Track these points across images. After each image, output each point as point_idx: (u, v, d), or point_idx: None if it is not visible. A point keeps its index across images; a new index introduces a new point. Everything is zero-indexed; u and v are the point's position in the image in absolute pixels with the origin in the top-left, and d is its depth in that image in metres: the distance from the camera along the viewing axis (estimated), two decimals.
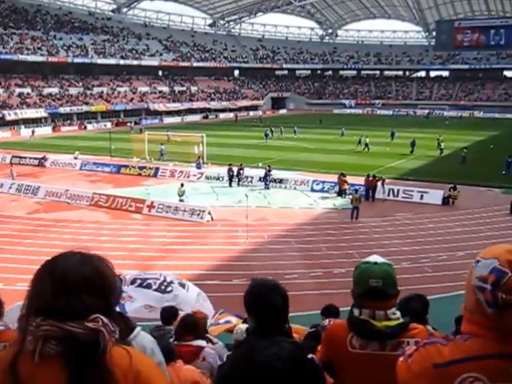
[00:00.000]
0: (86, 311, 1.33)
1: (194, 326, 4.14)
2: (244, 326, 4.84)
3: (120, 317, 1.60)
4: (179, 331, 4.11)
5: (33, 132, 50.64)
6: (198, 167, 30.59)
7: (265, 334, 1.86)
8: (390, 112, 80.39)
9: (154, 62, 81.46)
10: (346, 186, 24.09)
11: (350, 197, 21.73)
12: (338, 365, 2.12)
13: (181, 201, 21.75)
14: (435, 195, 23.17)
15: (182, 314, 4.98)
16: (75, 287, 1.35)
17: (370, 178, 23.75)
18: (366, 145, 38.28)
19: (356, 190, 21.82)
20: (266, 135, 43.82)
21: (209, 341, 4.62)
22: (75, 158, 33.99)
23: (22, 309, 1.38)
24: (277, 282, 2.12)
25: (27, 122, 57.84)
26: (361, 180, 24.44)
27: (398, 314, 2.11)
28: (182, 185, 22.77)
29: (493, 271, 1.33)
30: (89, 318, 1.32)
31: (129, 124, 60.79)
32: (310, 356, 1.89)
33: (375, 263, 2.11)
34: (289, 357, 1.70)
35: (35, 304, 1.36)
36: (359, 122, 60.97)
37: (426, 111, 77.56)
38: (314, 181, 26.19)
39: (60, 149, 39.84)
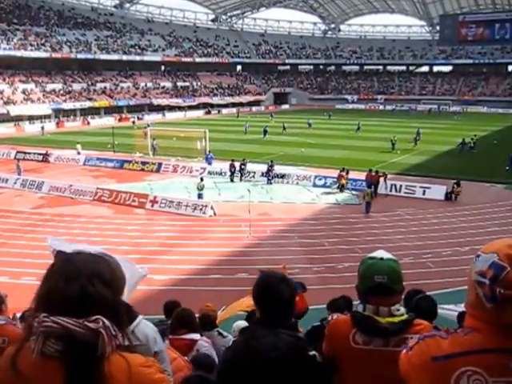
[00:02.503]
0: (99, 299, 1.33)
1: (188, 320, 4.20)
2: (242, 323, 4.89)
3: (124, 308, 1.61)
4: (174, 325, 4.18)
5: (42, 128, 50.61)
6: (209, 162, 29.53)
7: (268, 325, 1.89)
8: (393, 107, 79.95)
9: (157, 58, 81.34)
10: (344, 181, 24.09)
11: (354, 192, 21.65)
12: (340, 360, 2.10)
13: (199, 195, 21.72)
14: (438, 191, 23.11)
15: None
16: (88, 274, 1.36)
17: (373, 174, 23.68)
18: (393, 144, 35.73)
19: (369, 186, 21.92)
20: (265, 132, 43.64)
21: (219, 334, 4.68)
22: (78, 154, 34.06)
23: (32, 304, 1.38)
24: (285, 274, 2.15)
25: (31, 118, 58.00)
26: (363, 176, 24.42)
27: (402, 310, 2.09)
28: (202, 179, 22.77)
29: (492, 266, 1.33)
30: (91, 317, 1.29)
31: (131, 119, 60.76)
32: (312, 353, 1.91)
33: (381, 259, 2.09)
34: (286, 348, 1.72)
35: (46, 296, 1.34)
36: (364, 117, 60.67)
37: (429, 107, 77.00)
38: (316, 176, 26.16)
39: (64, 144, 39.87)
